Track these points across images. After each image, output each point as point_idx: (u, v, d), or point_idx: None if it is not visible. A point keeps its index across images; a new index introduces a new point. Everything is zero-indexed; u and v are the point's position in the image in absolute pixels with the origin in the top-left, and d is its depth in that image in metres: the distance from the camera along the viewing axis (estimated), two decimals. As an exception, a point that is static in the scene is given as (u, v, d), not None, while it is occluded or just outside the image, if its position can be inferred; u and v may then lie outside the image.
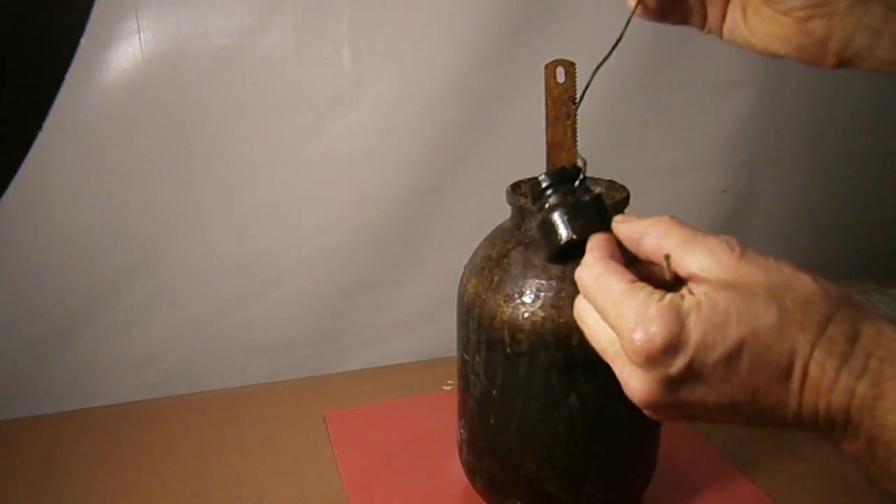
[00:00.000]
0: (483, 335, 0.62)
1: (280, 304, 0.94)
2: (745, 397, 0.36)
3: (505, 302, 0.60)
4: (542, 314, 0.58)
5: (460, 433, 0.70)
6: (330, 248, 0.93)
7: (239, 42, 0.82)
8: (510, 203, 0.63)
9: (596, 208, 0.43)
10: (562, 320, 0.58)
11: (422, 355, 0.98)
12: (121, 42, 0.79)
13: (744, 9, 0.52)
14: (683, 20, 0.54)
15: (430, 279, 0.97)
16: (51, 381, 0.88)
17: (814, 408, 0.35)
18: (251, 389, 0.92)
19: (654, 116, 1.00)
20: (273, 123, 0.86)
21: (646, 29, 0.54)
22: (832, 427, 0.36)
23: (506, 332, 0.60)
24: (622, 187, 0.63)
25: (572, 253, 0.43)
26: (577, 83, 0.59)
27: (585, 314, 0.41)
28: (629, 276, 0.39)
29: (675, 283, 0.38)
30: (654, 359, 0.36)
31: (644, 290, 0.37)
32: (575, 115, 0.57)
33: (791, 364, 0.35)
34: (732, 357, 0.35)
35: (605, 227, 0.42)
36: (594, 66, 0.50)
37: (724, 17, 0.53)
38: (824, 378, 0.35)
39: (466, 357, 0.65)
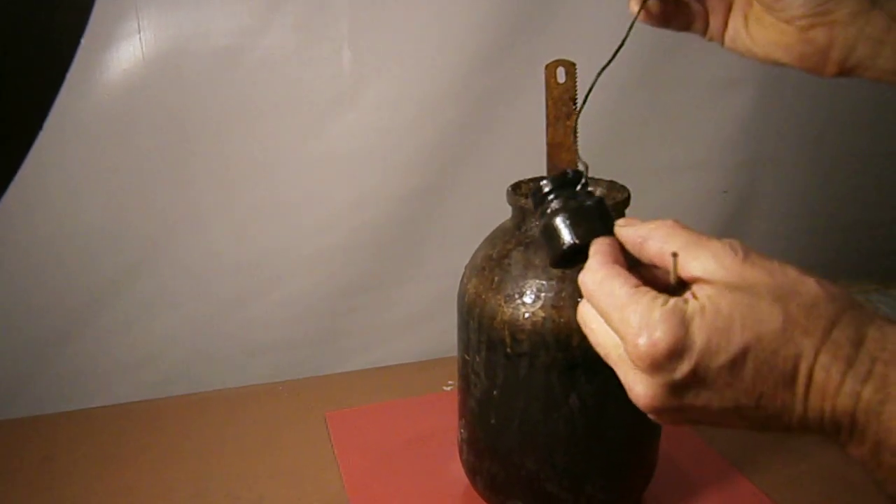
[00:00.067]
0: (484, 335, 0.62)
1: (280, 304, 0.94)
2: (750, 402, 0.36)
3: (505, 302, 0.60)
4: (543, 314, 0.58)
5: (461, 433, 0.70)
6: (330, 248, 0.93)
7: (239, 42, 0.82)
8: (510, 203, 0.63)
9: (598, 212, 0.43)
10: (562, 320, 0.58)
11: (422, 355, 0.98)
12: (121, 42, 0.79)
13: (746, 17, 0.52)
14: (686, 27, 0.54)
15: (430, 279, 0.97)
16: (51, 381, 0.88)
17: (819, 412, 0.35)
18: (251, 389, 0.92)
19: (653, 116, 1.00)
20: (273, 123, 0.86)
21: (646, 29, 0.54)
22: (838, 431, 0.36)
23: (506, 333, 0.60)
24: (623, 187, 0.63)
25: (576, 257, 0.43)
26: (577, 83, 0.59)
27: (589, 318, 0.41)
28: (633, 280, 0.39)
29: (678, 286, 0.38)
30: (658, 364, 0.36)
31: (648, 294, 0.37)
32: (577, 116, 0.57)
33: (796, 368, 0.35)
34: (737, 362, 0.35)
35: (608, 230, 0.42)
36: (594, 66, 0.51)
37: (725, 25, 0.53)
38: (830, 382, 0.35)
39: (467, 357, 0.65)
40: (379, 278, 0.96)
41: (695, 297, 0.36)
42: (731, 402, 0.36)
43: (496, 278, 0.61)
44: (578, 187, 0.45)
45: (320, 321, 0.96)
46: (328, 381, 0.95)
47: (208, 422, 0.85)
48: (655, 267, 0.40)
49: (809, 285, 0.36)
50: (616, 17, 0.54)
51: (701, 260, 0.37)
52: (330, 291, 0.95)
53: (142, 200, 0.85)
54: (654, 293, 0.37)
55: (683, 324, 0.35)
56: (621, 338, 0.38)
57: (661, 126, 1.01)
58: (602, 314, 0.39)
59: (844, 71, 0.48)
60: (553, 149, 0.61)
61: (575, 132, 0.59)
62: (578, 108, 0.53)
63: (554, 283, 0.59)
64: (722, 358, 0.35)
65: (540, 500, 0.64)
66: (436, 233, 0.96)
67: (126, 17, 0.78)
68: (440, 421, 0.80)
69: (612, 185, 0.64)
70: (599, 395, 0.60)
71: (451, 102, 0.90)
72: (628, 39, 0.50)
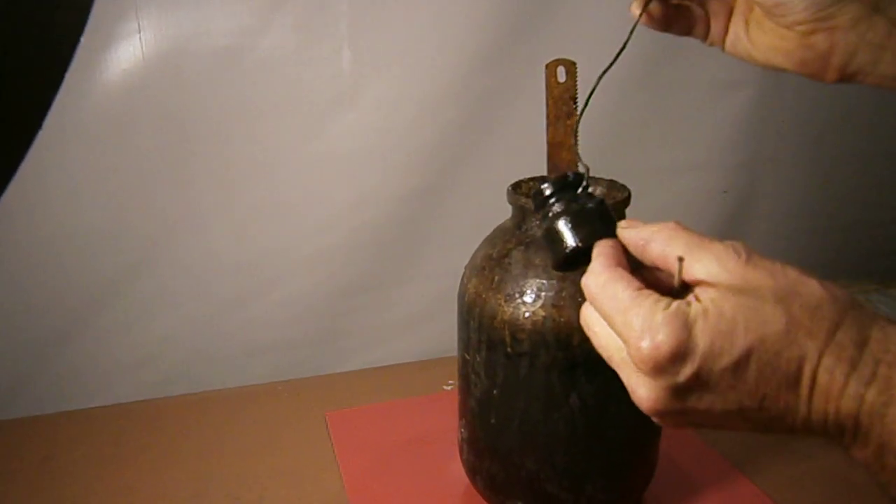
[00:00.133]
0: (484, 335, 0.61)
1: (280, 304, 0.94)
2: (754, 404, 0.36)
3: (506, 301, 0.60)
4: (543, 314, 0.58)
5: (461, 433, 0.70)
6: (330, 248, 0.93)
7: (239, 42, 0.82)
8: (511, 203, 0.63)
9: (600, 215, 0.43)
10: (563, 320, 0.58)
11: (422, 355, 0.98)
12: (121, 42, 0.79)
13: (746, 22, 0.52)
14: (687, 31, 0.55)
15: (430, 279, 0.96)
16: (51, 381, 0.88)
17: (823, 414, 0.35)
18: (251, 389, 0.92)
19: (654, 117, 1.00)
20: (273, 123, 0.86)
21: (647, 30, 0.54)
22: (842, 433, 0.36)
23: (507, 332, 0.60)
24: (623, 186, 0.63)
25: (578, 260, 0.43)
26: (577, 82, 0.59)
27: (592, 321, 0.41)
28: (636, 283, 0.38)
29: (681, 289, 0.38)
30: (661, 367, 0.36)
31: (650, 297, 0.37)
32: (578, 119, 0.57)
33: (800, 370, 0.35)
34: (740, 365, 0.35)
35: (610, 233, 0.42)
36: (594, 66, 0.51)
37: (726, 30, 0.53)
38: (833, 384, 0.35)
39: (467, 357, 0.64)
40: (379, 278, 0.96)
41: (698, 299, 0.36)
42: (734, 404, 0.36)
43: (496, 278, 0.61)
44: (580, 190, 0.45)
45: (320, 321, 0.96)
46: (328, 381, 0.95)
47: (208, 422, 0.85)
48: (658, 269, 0.40)
49: (812, 287, 0.36)
50: (616, 17, 0.54)
51: (704, 263, 0.37)
52: (330, 291, 0.95)
53: (142, 200, 0.85)
54: (656, 296, 0.37)
55: (686, 327, 0.35)
56: (624, 341, 0.38)
57: (662, 127, 1.01)
58: (605, 317, 0.39)
59: (845, 77, 0.48)
60: (553, 148, 0.61)
61: (576, 134, 0.59)
62: (580, 111, 0.53)
63: (554, 282, 0.59)
64: (725, 360, 0.35)
65: (540, 500, 0.64)
66: (436, 233, 0.96)
67: (126, 17, 0.78)
68: (440, 421, 0.80)
69: (612, 185, 0.64)
70: (600, 394, 0.60)
71: (451, 102, 0.90)
72: (629, 42, 0.50)
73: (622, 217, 0.60)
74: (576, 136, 0.59)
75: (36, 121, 0.78)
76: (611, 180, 0.64)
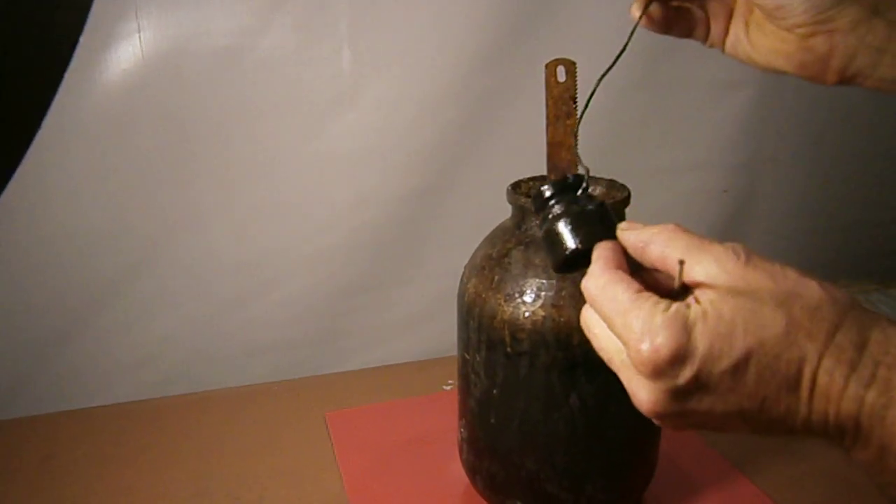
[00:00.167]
0: (483, 335, 0.61)
1: (280, 304, 0.94)
2: (754, 406, 0.36)
3: (505, 301, 0.60)
4: (543, 313, 0.58)
5: (461, 433, 0.70)
6: (330, 248, 0.93)
7: (239, 42, 0.82)
8: (510, 202, 0.63)
9: (600, 217, 0.43)
10: (562, 319, 0.58)
11: (422, 355, 0.98)
12: (121, 42, 0.79)
13: (746, 24, 0.52)
14: (687, 33, 0.55)
15: (430, 279, 0.97)
16: (51, 381, 0.88)
17: (823, 415, 0.35)
18: (251, 389, 0.92)
19: (654, 117, 1.00)
20: (273, 123, 0.86)
21: (646, 30, 0.54)
22: (842, 435, 0.36)
23: (506, 332, 0.60)
24: (623, 186, 0.63)
25: (578, 262, 0.43)
26: (577, 83, 0.59)
27: (592, 323, 0.41)
28: (635, 285, 0.39)
29: (681, 290, 0.38)
30: (661, 370, 0.36)
31: (650, 299, 0.37)
32: (578, 121, 0.57)
33: (800, 372, 0.35)
34: (739, 367, 0.35)
35: (610, 234, 0.42)
36: (594, 66, 0.51)
37: (726, 32, 0.53)
38: (833, 386, 0.35)
39: (467, 357, 0.64)
40: (379, 278, 0.96)
41: (697, 301, 0.36)
42: (734, 406, 0.36)
43: (496, 277, 0.61)
44: (580, 192, 0.45)
45: (320, 321, 0.96)
46: (328, 381, 0.95)
47: (208, 422, 0.85)
48: (657, 271, 0.40)
49: (812, 288, 0.36)
50: (616, 17, 0.54)
51: (703, 264, 0.37)
52: (330, 291, 0.95)
53: (142, 200, 0.85)
54: (655, 298, 0.37)
55: (685, 329, 0.35)
56: (624, 343, 0.38)
57: (662, 127, 1.01)
58: (605, 319, 0.39)
59: (845, 79, 0.48)
60: (553, 148, 0.61)
61: (576, 135, 0.59)
62: (580, 113, 0.53)
63: (554, 282, 0.59)
64: (724, 363, 0.35)
65: (540, 500, 0.64)
66: (436, 233, 0.96)
67: (126, 17, 0.78)
68: (440, 421, 0.80)
69: (611, 184, 0.64)
70: (600, 394, 0.60)
71: (451, 102, 0.90)
72: (629, 44, 0.50)
73: (622, 217, 0.61)
74: (576, 137, 0.59)
75: (36, 121, 0.78)
76: (611, 180, 0.64)
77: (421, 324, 0.98)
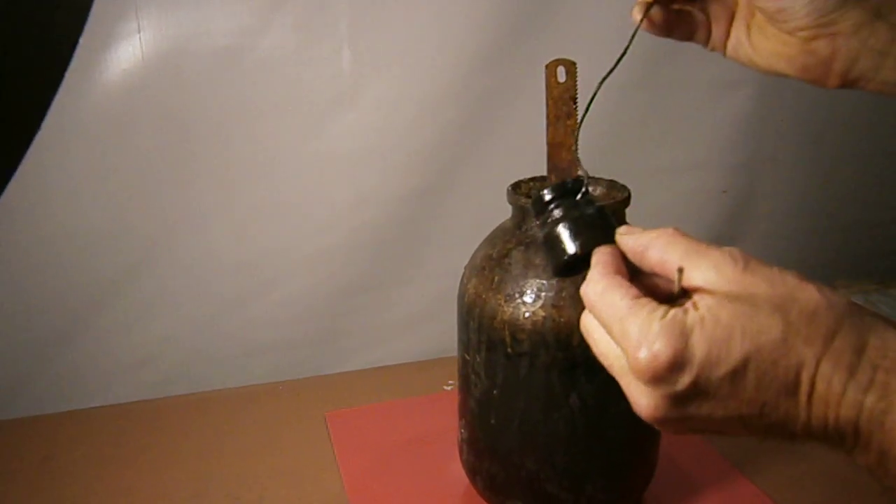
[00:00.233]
0: (484, 335, 0.61)
1: (280, 304, 0.94)
2: (753, 411, 0.36)
3: (506, 302, 0.60)
4: (543, 314, 0.58)
5: (461, 433, 0.70)
6: (330, 248, 0.93)
7: (239, 42, 0.82)
8: (510, 203, 0.63)
9: (599, 221, 0.43)
10: (563, 320, 0.58)
11: (422, 355, 0.98)
12: (121, 42, 0.79)
13: (748, 27, 0.52)
14: (688, 36, 0.54)
15: (430, 279, 0.97)
16: (51, 381, 0.88)
17: (823, 420, 0.35)
18: (251, 389, 0.92)
19: (653, 116, 1.00)
20: (273, 123, 0.86)
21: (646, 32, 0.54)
22: (842, 439, 0.36)
23: (506, 332, 0.60)
24: (623, 187, 0.63)
25: (577, 266, 0.43)
26: (577, 83, 0.59)
27: (592, 329, 0.41)
28: (633, 291, 0.39)
29: (680, 294, 0.38)
30: (659, 376, 0.36)
31: (647, 306, 0.37)
32: (579, 125, 0.57)
33: (798, 378, 0.35)
34: (737, 373, 0.35)
35: (609, 239, 0.42)
36: (594, 66, 0.51)
37: (728, 35, 0.53)
38: (832, 391, 0.35)
39: (467, 357, 0.64)
40: (379, 278, 0.96)
41: (695, 307, 0.36)
42: (733, 411, 0.36)
43: (496, 278, 0.61)
44: (579, 196, 0.45)
45: (320, 321, 0.96)
46: (328, 381, 0.95)
47: (208, 422, 0.85)
48: (657, 275, 0.40)
49: (810, 293, 0.36)
50: (616, 18, 0.54)
51: (702, 269, 0.37)
52: (330, 291, 0.95)
53: (142, 200, 0.85)
54: (653, 304, 0.37)
55: (683, 336, 0.35)
56: (623, 350, 0.38)
57: (661, 127, 1.01)
58: (603, 325, 0.39)
59: (847, 83, 0.48)
60: (553, 149, 0.61)
61: (576, 137, 0.59)
62: (581, 116, 0.53)
63: (554, 282, 0.59)
64: (722, 369, 0.35)
65: (540, 500, 0.64)
66: (436, 233, 0.96)
67: (125, 17, 0.78)
68: (440, 421, 0.80)
69: (612, 185, 0.64)
70: (600, 394, 0.60)
71: (451, 102, 0.90)
72: (626, 37, 0.50)
73: (622, 218, 0.61)
74: (576, 139, 0.59)
75: (36, 121, 0.78)
76: (611, 180, 0.64)
77: (421, 324, 0.98)
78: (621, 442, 0.64)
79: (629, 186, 0.62)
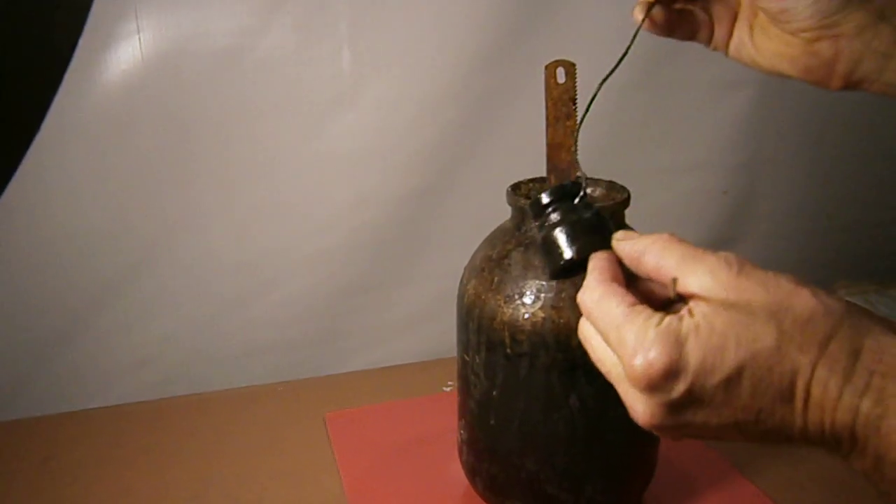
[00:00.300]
0: (483, 336, 0.61)
1: (280, 304, 0.94)
2: (749, 418, 0.36)
3: (505, 303, 0.60)
4: (543, 315, 0.58)
5: (460, 434, 0.70)
6: (330, 248, 0.93)
7: (239, 42, 0.82)
8: (510, 203, 0.63)
9: (596, 225, 0.44)
10: (562, 321, 0.58)
11: (422, 356, 0.98)
12: (120, 42, 0.79)
13: (751, 27, 0.52)
14: (690, 36, 0.54)
15: (430, 279, 0.96)
16: (51, 382, 0.88)
17: (819, 425, 0.35)
18: (251, 390, 0.92)
19: (654, 117, 1.00)
20: (273, 123, 0.86)
21: (647, 31, 0.54)
22: (839, 444, 0.36)
23: (506, 333, 0.60)
24: (623, 188, 0.63)
25: (575, 270, 0.43)
26: (577, 84, 0.59)
27: (589, 335, 0.41)
28: (630, 298, 0.39)
29: (677, 300, 0.38)
30: (655, 384, 0.36)
31: (643, 313, 0.37)
32: (578, 126, 0.57)
33: (793, 384, 0.35)
34: (732, 380, 0.35)
35: (606, 243, 0.43)
36: (594, 66, 0.51)
37: (730, 35, 0.53)
38: (827, 397, 0.35)
39: (466, 358, 0.64)
40: (379, 278, 0.96)
41: (691, 314, 0.37)
42: (729, 418, 0.37)
43: (496, 279, 0.61)
44: (577, 199, 0.45)
45: (320, 321, 0.96)
46: (328, 382, 0.95)
47: (208, 422, 0.85)
48: (652, 280, 0.40)
49: (804, 298, 0.36)
50: (616, 18, 0.54)
51: (697, 275, 0.37)
52: (330, 291, 0.95)
53: (142, 200, 0.85)
54: (648, 312, 0.37)
55: (678, 344, 0.36)
56: (619, 357, 0.38)
57: (662, 127, 1.01)
58: (600, 333, 0.40)
59: (850, 84, 0.48)
60: (553, 149, 0.61)
61: (576, 138, 0.59)
62: (580, 118, 0.53)
63: (554, 283, 0.59)
64: (717, 377, 0.35)
65: (540, 501, 0.64)
66: (436, 233, 0.96)
67: (125, 18, 0.78)
68: (440, 422, 0.80)
69: (611, 186, 0.64)
70: (600, 395, 0.60)
71: (451, 102, 0.90)
72: (627, 38, 0.50)
73: (622, 219, 0.61)
74: (575, 141, 0.59)
75: (36, 121, 0.78)
76: (610, 181, 0.64)
77: (421, 324, 0.98)
78: (621, 443, 0.64)
79: (629, 187, 0.62)
